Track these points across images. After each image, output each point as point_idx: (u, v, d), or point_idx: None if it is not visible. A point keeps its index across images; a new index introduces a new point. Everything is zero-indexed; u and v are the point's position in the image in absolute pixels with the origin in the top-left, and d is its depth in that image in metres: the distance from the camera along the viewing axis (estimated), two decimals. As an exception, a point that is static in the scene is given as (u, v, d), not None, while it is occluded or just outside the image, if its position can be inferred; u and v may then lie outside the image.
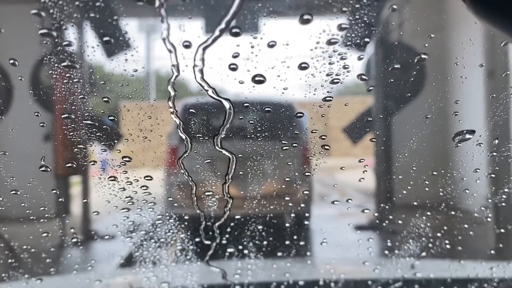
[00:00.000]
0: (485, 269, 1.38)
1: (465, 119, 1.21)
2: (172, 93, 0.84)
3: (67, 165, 1.22)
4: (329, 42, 1.09)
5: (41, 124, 0.98)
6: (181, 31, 1.09)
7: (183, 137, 1.16)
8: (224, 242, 1.55)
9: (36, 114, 1.16)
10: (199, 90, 1.42)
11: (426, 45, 1.05)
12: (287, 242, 1.57)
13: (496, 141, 1.09)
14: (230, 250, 1.54)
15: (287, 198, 1.71)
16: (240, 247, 1.58)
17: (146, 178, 1.36)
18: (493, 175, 1.24)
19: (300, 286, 1.39)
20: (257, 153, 1.62)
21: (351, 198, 5.23)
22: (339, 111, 1.57)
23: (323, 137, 1.51)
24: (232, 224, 1.60)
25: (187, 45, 0.98)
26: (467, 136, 1.00)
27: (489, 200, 1.41)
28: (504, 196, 1.31)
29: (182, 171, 1.21)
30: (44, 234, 1.39)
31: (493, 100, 1.11)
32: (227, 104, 0.97)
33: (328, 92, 1.21)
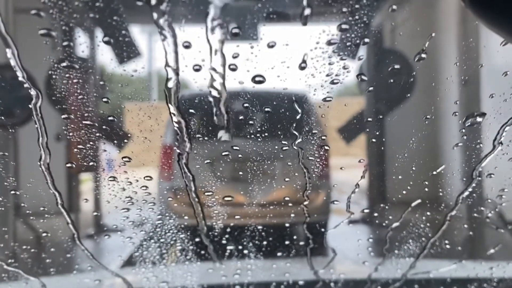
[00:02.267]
0: (485, 269, 1.38)
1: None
2: (173, 98, 0.85)
3: (67, 164, 1.23)
4: (329, 43, 1.09)
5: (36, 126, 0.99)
6: (180, 31, 1.09)
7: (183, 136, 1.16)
8: (226, 242, 1.55)
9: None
10: (199, 90, 1.42)
11: (427, 43, 1.05)
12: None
13: (496, 141, 1.09)
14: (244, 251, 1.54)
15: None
16: (240, 247, 1.58)
17: (146, 178, 1.36)
18: (493, 175, 1.24)
19: (300, 286, 1.39)
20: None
21: (351, 198, 5.21)
22: (339, 111, 1.57)
23: (322, 137, 1.51)
24: (232, 224, 1.60)
25: (187, 46, 0.98)
26: (478, 119, 0.99)
27: (489, 200, 1.41)
28: (504, 196, 1.31)
29: (182, 169, 1.21)
30: (44, 234, 1.39)
31: (493, 100, 1.11)
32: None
33: (328, 92, 1.21)
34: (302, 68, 1.07)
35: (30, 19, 0.87)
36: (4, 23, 0.73)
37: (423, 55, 1.05)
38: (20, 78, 0.78)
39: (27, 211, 1.29)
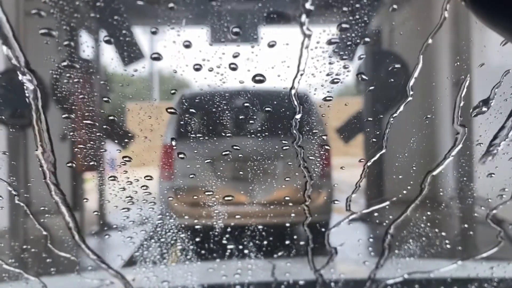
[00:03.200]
0: (485, 269, 1.38)
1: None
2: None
3: (68, 164, 1.23)
4: (329, 42, 1.09)
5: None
6: (181, 31, 1.09)
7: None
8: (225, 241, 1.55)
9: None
10: (200, 89, 1.42)
11: (430, 41, 1.05)
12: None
13: (496, 141, 1.09)
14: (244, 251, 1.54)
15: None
16: (241, 247, 1.58)
17: (146, 178, 1.36)
18: (493, 175, 1.24)
19: (300, 286, 1.39)
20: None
21: (351, 198, 5.20)
22: (339, 111, 1.57)
23: (323, 136, 1.51)
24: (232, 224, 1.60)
25: (187, 45, 0.99)
26: (484, 109, 1.00)
27: (489, 200, 1.41)
28: (504, 196, 1.31)
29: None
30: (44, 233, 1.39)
31: (493, 99, 1.11)
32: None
33: (328, 92, 1.21)
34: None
35: (39, 22, 0.88)
36: (12, 26, 0.73)
37: (430, 41, 1.04)
38: (25, 80, 0.79)
39: (28, 211, 1.29)
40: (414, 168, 1.47)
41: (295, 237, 1.67)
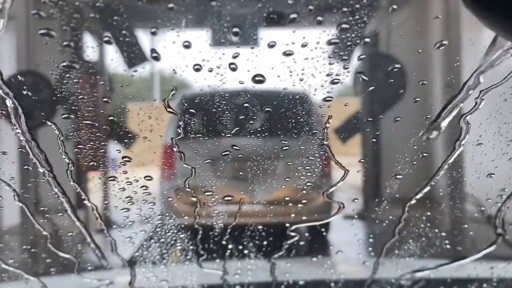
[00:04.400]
0: (485, 269, 1.38)
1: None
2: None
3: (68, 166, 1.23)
4: (329, 42, 1.10)
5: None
6: (181, 31, 1.09)
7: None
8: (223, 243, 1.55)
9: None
10: (200, 90, 1.42)
11: (434, 41, 1.05)
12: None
13: (495, 140, 1.09)
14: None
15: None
16: (240, 247, 1.58)
17: (146, 178, 1.36)
18: (493, 175, 1.24)
19: (300, 286, 1.39)
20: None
21: (354, 198, 5.19)
22: (339, 111, 1.57)
23: (323, 136, 1.51)
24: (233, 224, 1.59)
25: (187, 45, 0.99)
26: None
27: (489, 200, 1.41)
28: (504, 196, 1.31)
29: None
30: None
31: (493, 99, 1.11)
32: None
33: (328, 92, 1.21)
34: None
35: (46, 24, 0.88)
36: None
37: (444, 42, 1.04)
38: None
39: (27, 211, 1.30)
40: (413, 167, 1.47)
41: (295, 237, 1.67)
